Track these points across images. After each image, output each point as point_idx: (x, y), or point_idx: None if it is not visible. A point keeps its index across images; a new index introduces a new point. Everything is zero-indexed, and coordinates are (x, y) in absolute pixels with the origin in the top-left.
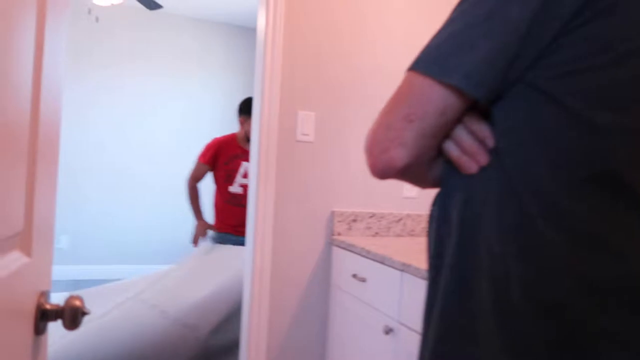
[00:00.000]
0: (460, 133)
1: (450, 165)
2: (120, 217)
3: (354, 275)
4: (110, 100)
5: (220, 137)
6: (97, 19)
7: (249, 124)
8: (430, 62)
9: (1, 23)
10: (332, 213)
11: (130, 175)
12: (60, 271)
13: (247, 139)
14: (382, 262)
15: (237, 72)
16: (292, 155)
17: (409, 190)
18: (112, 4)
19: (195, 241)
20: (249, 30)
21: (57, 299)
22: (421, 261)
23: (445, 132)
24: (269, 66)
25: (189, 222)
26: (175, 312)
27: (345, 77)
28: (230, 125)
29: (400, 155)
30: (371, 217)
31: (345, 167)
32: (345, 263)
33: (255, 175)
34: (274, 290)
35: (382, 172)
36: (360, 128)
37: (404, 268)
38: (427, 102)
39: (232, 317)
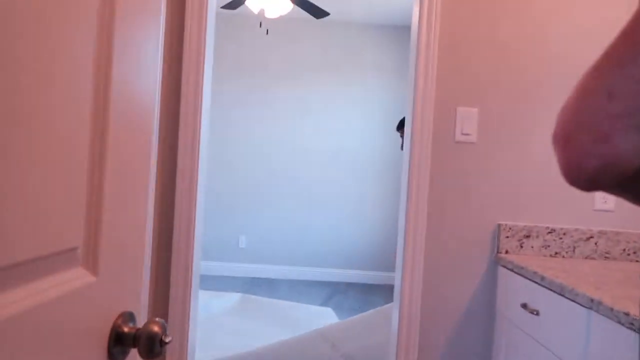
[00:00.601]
0: None
1: None
2: (294, 221)
3: (524, 306)
4: (283, 107)
5: None
6: (267, 32)
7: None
8: None
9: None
10: (498, 227)
11: (303, 180)
12: (239, 269)
13: None
14: (561, 294)
15: (401, 75)
16: (449, 158)
17: (602, 200)
18: (281, 16)
19: None
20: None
21: (231, 299)
22: (619, 298)
23: None
24: (422, 59)
25: (357, 228)
26: None
27: (514, 67)
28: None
29: (635, 147)
30: (550, 232)
31: (515, 171)
32: (513, 289)
33: (406, 183)
34: (425, 314)
35: (592, 175)
36: (533, 125)
37: (593, 305)
38: None
39: None
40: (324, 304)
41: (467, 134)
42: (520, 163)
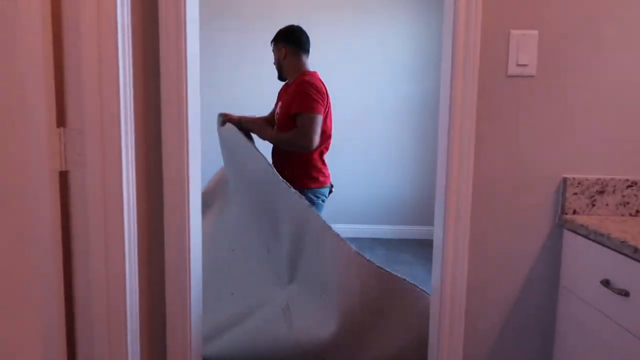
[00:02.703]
0: None
1: None
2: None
3: (605, 283)
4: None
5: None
6: None
7: (276, 52)
8: None
9: None
10: (564, 181)
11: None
12: None
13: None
14: None
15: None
16: (500, 96)
17: None
18: None
19: None
20: None
21: None
22: None
23: None
24: None
25: (378, 183)
26: (310, 347)
27: None
28: (424, 73)
29: None
30: (630, 186)
31: (586, 111)
32: (588, 260)
33: (446, 128)
34: (472, 286)
35: None
36: (612, 52)
37: None
38: None
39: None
40: None
41: (523, 65)
42: (592, 101)
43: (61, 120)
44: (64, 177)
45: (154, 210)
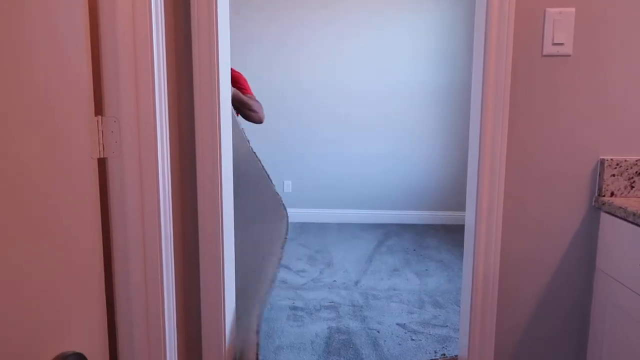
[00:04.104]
0: None
1: None
2: (341, 162)
3: None
4: (320, 40)
5: None
6: None
7: None
8: None
9: None
10: (601, 162)
11: (346, 122)
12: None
13: None
14: None
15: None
16: (534, 76)
17: None
18: None
19: None
20: None
21: None
22: None
23: None
24: None
25: (405, 168)
26: None
27: None
28: (440, 62)
29: None
30: None
31: (624, 91)
32: (625, 242)
33: (479, 110)
34: (505, 273)
35: None
36: None
37: None
38: None
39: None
40: (378, 247)
41: (559, 44)
42: (630, 81)
43: (99, 109)
44: (102, 164)
45: (187, 197)
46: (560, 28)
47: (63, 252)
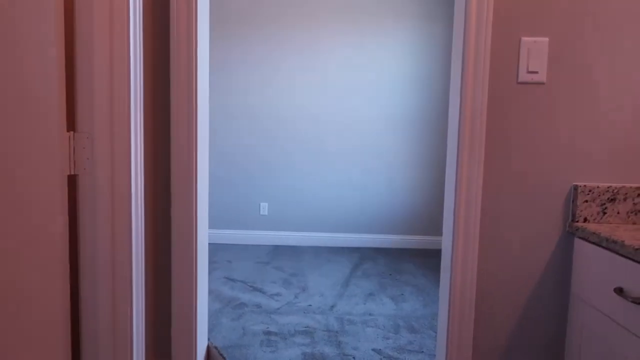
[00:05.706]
0: None
1: None
2: (317, 186)
3: (619, 291)
4: (298, 66)
5: None
6: None
7: None
8: None
9: None
10: (574, 189)
11: (323, 146)
12: (261, 236)
13: None
14: None
15: (429, 19)
16: (510, 103)
17: None
18: None
19: None
20: None
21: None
22: None
23: None
24: None
25: (380, 192)
26: None
27: None
28: (422, 89)
29: None
30: None
31: (596, 119)
32: (601, 268)
33: (456, 135)
34: (481, 297)
35: None
36: (625, 60)
37: None
38: None
39: None
40: (353, 271)
41: (534, 72)
42: (602, 109)
43: (71, 125)
44: (72, 181)
45: (161, 214)
46: (535, 56)
47: (27, 274)
